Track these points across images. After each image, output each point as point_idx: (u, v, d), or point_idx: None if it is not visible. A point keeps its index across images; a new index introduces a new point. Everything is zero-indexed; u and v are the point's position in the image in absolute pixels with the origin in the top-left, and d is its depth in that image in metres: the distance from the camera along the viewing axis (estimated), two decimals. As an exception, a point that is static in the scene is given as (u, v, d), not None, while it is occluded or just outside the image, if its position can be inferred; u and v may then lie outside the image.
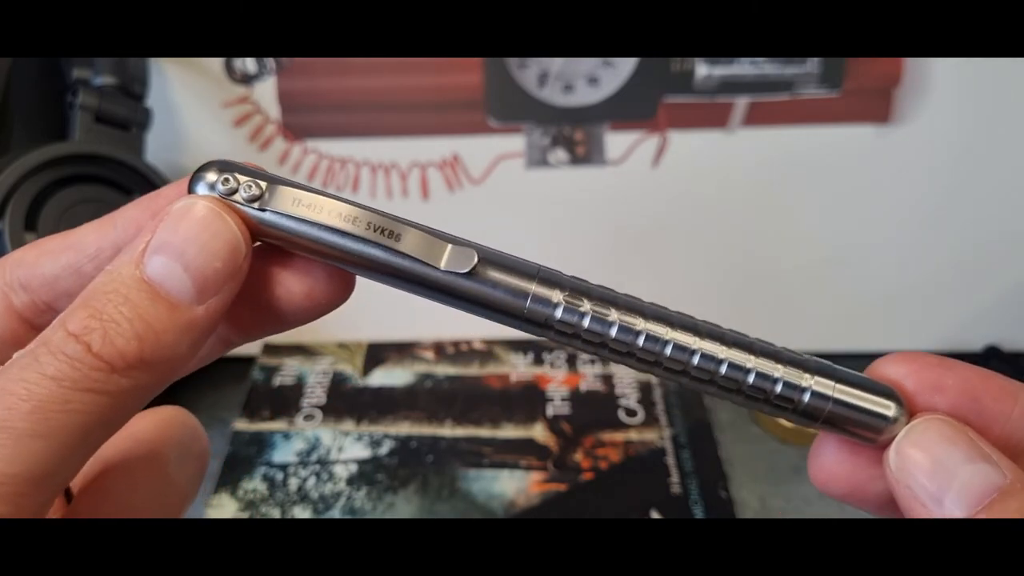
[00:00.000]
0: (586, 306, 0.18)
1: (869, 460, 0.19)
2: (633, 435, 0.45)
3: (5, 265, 0.19)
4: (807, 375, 0.18)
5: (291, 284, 0.18)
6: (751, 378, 0.18)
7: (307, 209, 0.17)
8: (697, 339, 0.18)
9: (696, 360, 0.18)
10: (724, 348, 0.18)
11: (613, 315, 0.18)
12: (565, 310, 0.18)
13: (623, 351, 0.18)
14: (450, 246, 0.17)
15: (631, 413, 0.47)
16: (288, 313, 0.18)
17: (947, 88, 0.48)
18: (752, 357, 0.18)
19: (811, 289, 0.52)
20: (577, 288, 0.18)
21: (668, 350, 0.18)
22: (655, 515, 0.41)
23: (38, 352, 0.15)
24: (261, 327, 0.19)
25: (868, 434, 0.18)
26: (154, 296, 0.16)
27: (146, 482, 0.19)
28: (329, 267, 0.18)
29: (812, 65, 0.48)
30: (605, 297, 0.18)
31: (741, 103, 0.49)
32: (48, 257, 0.19)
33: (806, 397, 0.18)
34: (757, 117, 0.50)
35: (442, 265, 0.17)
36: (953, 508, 0.16)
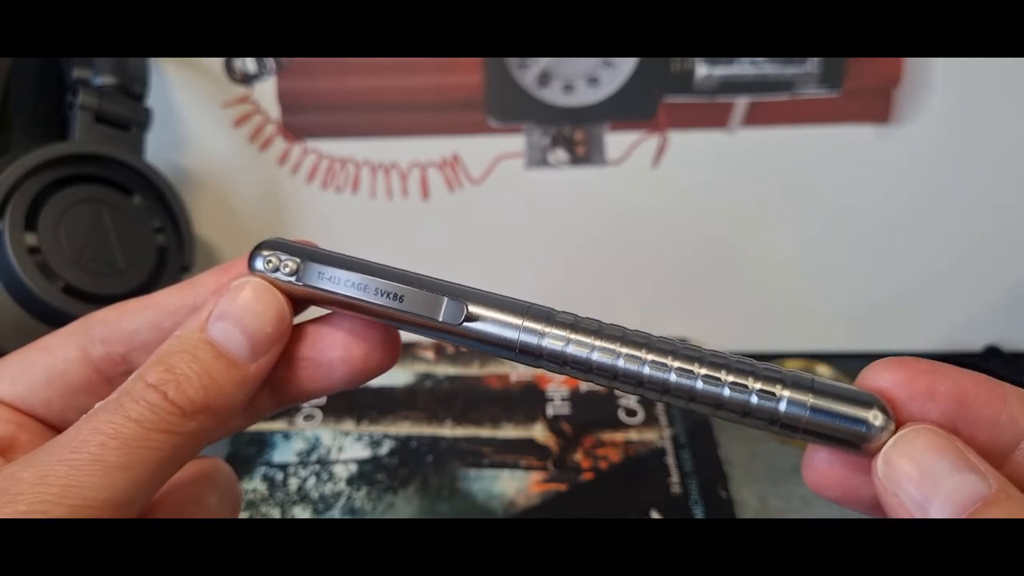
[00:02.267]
0: (570, 338, 0.20)
1: (861, 465, 0.19)
2: (633, 435, 0.45)
3: (88, 323, 0.22)
4: (781, 387, 0.19)
5: (352, 350, 0.21)
6: (726, 392, 0.19)
7: (328, 281, 0.21)
8: (673, 359, 0.19)
9: (673, 378, 0.19)
10: (699, 366, 0.19)
11: (595, 343, 0.20)
12: (552, 344, 0.20)
13: (608, 375, 0.20)
14: (446, 300, 0.20)
15: (631, 413, 0.47)
16: (345, 374, 0.22)
17: (947, 88, 0.48)
18: (726, 373, 0.19)
19: (811, 289, 0.53)
20: (562, 322, 0.20)
21: (647, 370, 0.19)
22: (655, 515, 0.41)
23: (122, 400, 0.19)
24: (319, 387, 0.22)
25: (851, 443, 0.18)
26: (217, 355, 0.20)
27: None
28: (380, 336, 0.22)
29: (812, 65, 0.48)
30: (588, 327, 0.20)
31: (741, 103, 0.49)
32: (129, 315, 0.22)
33: (782, 408, 0.19)
34: (757, 117, 0.50)
35: (440, 317, 0.20)
36: (938, 516, 0.17)
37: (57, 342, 0.22)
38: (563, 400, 0.48)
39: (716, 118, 0.50)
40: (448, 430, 0.46)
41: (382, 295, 0.21)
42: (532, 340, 0.20)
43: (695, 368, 0.19)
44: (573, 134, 0.51)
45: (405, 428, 0.46)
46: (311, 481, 0.43)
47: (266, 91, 0.51)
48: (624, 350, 0.19)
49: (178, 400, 0.19)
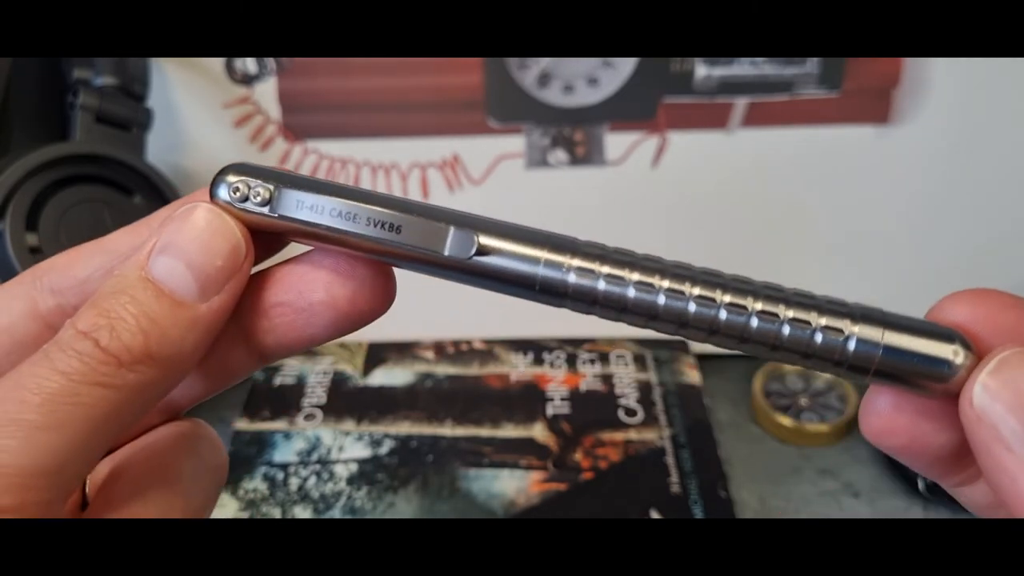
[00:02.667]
0: (601, 270, 0.17)
1: (933, 409, 0.17)
2: (633, 435, 0.45)
3: (37, 270, 0.20)
4: (850, 323, 0.17)
5: (335, 290, 0.18)
6: (786, 330, 0.17)
7: (309, 211, 0.18)
8: (722, 293, 0.17)
9: (723, 316, 0.17)
10: (753, 300, 0.17)
11: (631, 276, 0.17)
12: (579, 278, 0.17)
13: (646, 314, 0.17)
14: (452, 230, 0.17)
15: (631, 413, 0.47)
16: (330, 321, 0.19)
17: (947, 88, 0.48)
18: (785, 308, 0.17)
19: (810, 289, 0.52)
20: (590, 252, 0.17)
21: (692, 307, 0.17)
22: (655, 515, 0.41)
23: (49, 350, 0.16)
24: (301, 337, 0.19)
25: (929, 384, 0.16)
26: (159, 294, 0.17)
27: (156, 495, 0.19)
28: (371, 274, 0.19)
29: (812, 65, 0.48)
30: (621, 259, 0.17)
31: (741, 103, 0.49)
32: (80, 260, 0.19)
33: (851, 346, 0.16)
34: (757, 117, 0.50)
35: (445, 251, 0.17)
36: None
37: (2, 294, 0.20)
38: (563, 400, 0.48)
39: (716, 118, 0.50)
40: (448, 430, 0.46)
41: (375, 225, 0.17)
42: (555, 275, 0.17)
43: (749, 303, 0.17)
44: (573, 134, 0.51)
45: (405, 428, 0.46)
46: (311, 481, 0.43)
47: (266, 91, 0.51)
48: (665, 283, 0.17)
49: (112, 348, 0.16)
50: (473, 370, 0.51)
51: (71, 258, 0.20)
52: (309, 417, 0.47)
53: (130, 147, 0.45)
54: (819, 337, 0.17)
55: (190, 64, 0.51)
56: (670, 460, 0.44)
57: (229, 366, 0.20)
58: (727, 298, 0.17)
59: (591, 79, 0.50)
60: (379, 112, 0.51)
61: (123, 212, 0.44)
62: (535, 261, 0.17)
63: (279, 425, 0.47)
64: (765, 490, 0.44)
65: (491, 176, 0.52)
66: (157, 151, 0.49)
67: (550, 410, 0.47)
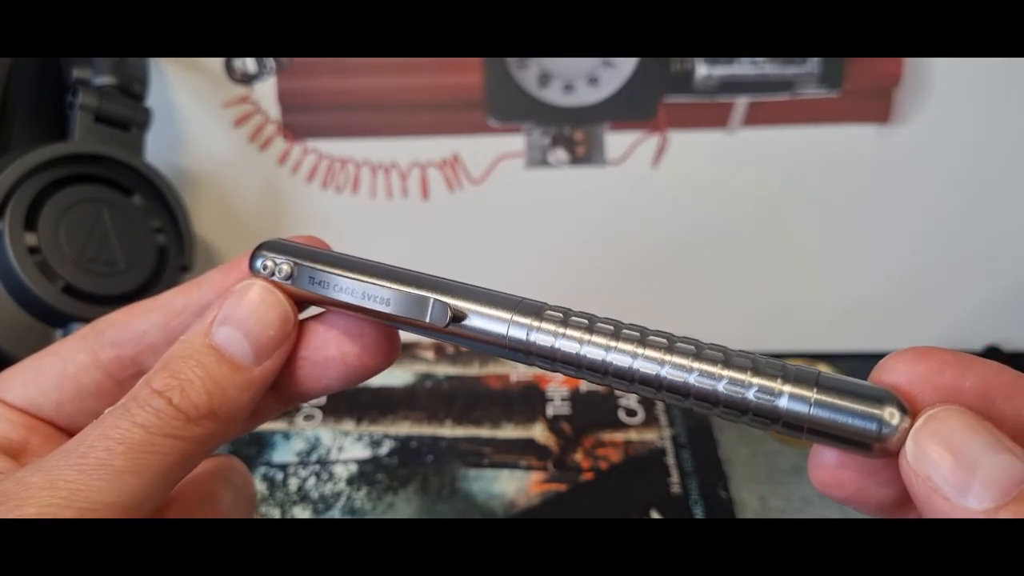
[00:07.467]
0: (560, 333, 0.19)
1: (875, 464, 0.18)
2: (633, 435, 0.45)
3: (97, 326, 0.23)
4: (781, 383, 0.17)
5: (345, 348, 0.21)
6: (722, 387, 0.17)
7: (319, 286, 0.21)
8: (667, 355, 0.18)
9: (667, 376, 0.18)
10: (693, 361, 0.18)
11: (584, 338, 0.19)
12: (541, 340, 0.19)
13: (598, 372, 0.19)
14: (432, 299, 0.20)
15: (631, 413, 0.47)
16: (342, 373, 0.22)
17: (947, 88, 0.48)
18: (722, 368, 0.18)
19: (810, 289, 0.53)
20: (551, 317, 0.19)
21: (639, 367, 0.18)
22: (655, 515, 0.41)
23: (129, 405, 0.19)
24: (317, 387, 0.22)
25: (863, 444, 0.17)
26: (220, 359, 0.20)
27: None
28: (377, 335, 0.21)
29: (812, 65, 0.48)
30: (578, 323, 0.19)
31: (741, 103, 0.49)
32: (138, 317, 0.23)
33: (782, 405, 0.17)
34: (757, 117, 0.50)
35: (427, 319, 0.20)
36: (977, 500, 0.16)
37: (67, 347, 0.23)
38: (563, 400, 0.48)
39: (716, 118, 0.50)
40: (448, 430, 0.46)
41: (369, 299, 0.20)
42: (520, 336, 0.19)
43: (690, 363, 0.18)
44: (573, 134, 0.51)
45: (405, 428, 0.46)
46: (311, 481, 0.43)
47: (266, 91, 0.51)
48: (615, 345, 0.18)
49: (183, 405, 0.19)
50: (473, 370, 0.51)
51: (128, 315, 0.23)
52: (308, 417, 0.47)
53: (129, 147, 0.45)
54: (752, 396, 0.17)
55: (189, 64, 0.51)
56: (670, 460, 0.44)
57: (261, 411, 0.22)
58: (671, 359, 0.18)
59: (591, 79, 0.50)
60: (379, 112, 0.51)
61: (122, 212, 0.44)
62: (504, 322, 0.19)
63: (278, 425, 0.47)
64: (766, 490, 0.44)
65: (491, 176, 0.52)
66: (156, 150, 0.49)
67: (550, 410, 0.47)
